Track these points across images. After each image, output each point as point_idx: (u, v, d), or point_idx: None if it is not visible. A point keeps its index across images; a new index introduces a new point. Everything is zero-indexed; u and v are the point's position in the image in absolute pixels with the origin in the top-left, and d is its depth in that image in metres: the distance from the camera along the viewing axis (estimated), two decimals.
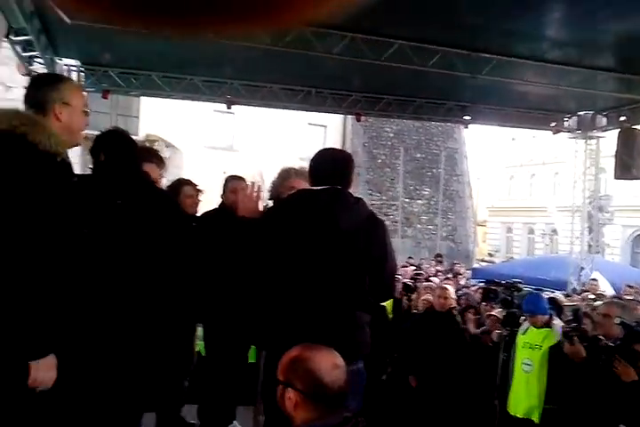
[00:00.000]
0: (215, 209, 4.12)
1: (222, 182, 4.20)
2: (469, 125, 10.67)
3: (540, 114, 10.13)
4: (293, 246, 2.50)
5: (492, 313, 5.30)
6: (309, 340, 1.91)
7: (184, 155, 17.35)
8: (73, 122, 2.19)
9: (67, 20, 5.20)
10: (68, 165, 2.13)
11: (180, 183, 4.19)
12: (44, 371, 1.87)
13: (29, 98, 2.19)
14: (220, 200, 4.13)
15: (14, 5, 4.63)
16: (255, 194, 2.69)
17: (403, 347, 5.46)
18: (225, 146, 19.48)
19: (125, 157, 2.78)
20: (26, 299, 1.90)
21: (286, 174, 3.28)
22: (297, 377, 1.74)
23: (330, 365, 1.75)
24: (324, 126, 21.04)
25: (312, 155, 2.74)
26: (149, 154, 3.52)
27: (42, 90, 2.18)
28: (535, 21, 5.78)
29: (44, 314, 1.93)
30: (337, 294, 2.49)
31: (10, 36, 5.54)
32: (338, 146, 19.14)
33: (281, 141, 18.37)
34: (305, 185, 2.80)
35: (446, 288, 5.60)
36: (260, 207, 2.74)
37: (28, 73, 6.34)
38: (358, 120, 10.26)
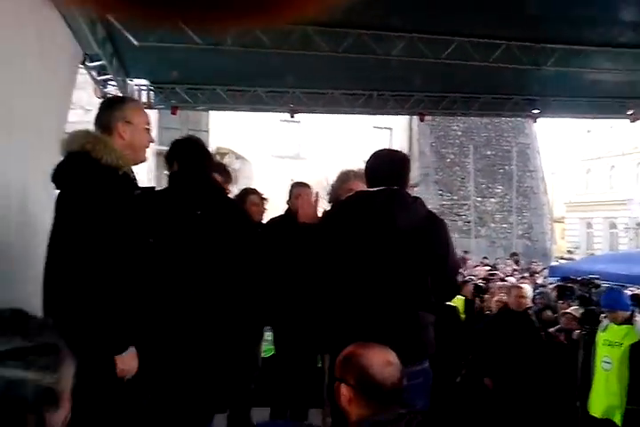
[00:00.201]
0: (281, 215, 4.23)
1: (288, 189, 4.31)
2: (539, 119, 10.31)
3: (615, 102, 9.61)
4: (353, 248, 2.52)
5: (568, 311, 5.11)
6: (373, 341, 1.90)
7: (253, 165, 17.76)
8: (135, 139, 2.35)
9: (134, 42, 5.49)
10: (130, 178, 2.29)
11: (247, 192, 4.33)
12: (128, 362, 2.17)
13: (98, 119, 2.38)
14: (287, 206, 4.23)
15: (88, 33, 4.90)
16: (314, 200, 2.75)
17: (477, 348, 5.36)
18: (292, 154, 19.79)
19: (198, 166, 2.88)
20: (106, 305, 2.09)
21: (345, 177, 3.32)
22: (350, 373, 1.76)
23: (382, 362, 1.76)
24: (390, 129, 20.96)
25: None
26: (218, 168, 3.65)
27: (107, 111, 2.37)
28: (604, 4, 5.49)
29: (124, 317, 2.15)
30: (399, 294, 2.49)
31: (85, 63, 5.88)
32: (404, 148, 19.01)
33: (347, 147, 18.41)
34: (364, 187, 2.82)
35: (522, 287, 5.47)
36: (319, 213, 2.78)
37: (103, 95, 6.68)
38: (422, 120, 10.12)
